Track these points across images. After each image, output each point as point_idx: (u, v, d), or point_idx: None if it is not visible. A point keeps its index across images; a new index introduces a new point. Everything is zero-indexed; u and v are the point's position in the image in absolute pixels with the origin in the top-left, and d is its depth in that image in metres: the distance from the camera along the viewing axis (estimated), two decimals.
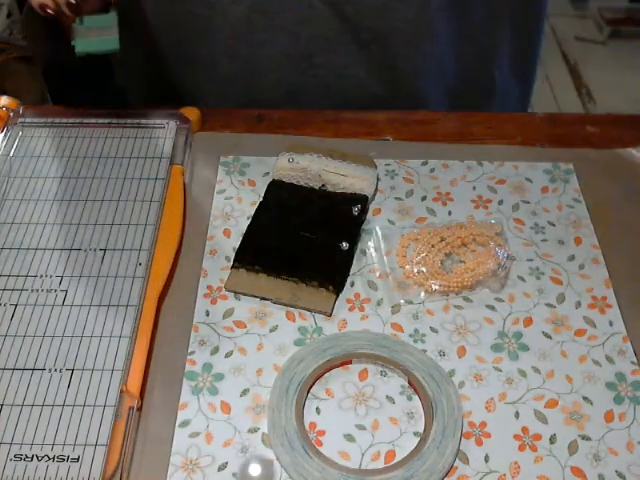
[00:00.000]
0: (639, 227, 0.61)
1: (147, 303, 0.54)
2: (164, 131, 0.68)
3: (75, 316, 0.54)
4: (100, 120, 0.69)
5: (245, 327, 0.53)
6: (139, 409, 0.49)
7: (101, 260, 0.57)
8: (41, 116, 0.69)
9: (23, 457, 0.46)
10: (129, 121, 0.69)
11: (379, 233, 0.59)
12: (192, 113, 0.69)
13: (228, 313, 0.54)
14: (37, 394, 0.49)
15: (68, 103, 0.74)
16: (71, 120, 0.69)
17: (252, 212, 0.61)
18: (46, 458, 0.46)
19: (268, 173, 0.65)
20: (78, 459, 0.46)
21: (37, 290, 0.55)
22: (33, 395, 0.49)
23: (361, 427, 0.48)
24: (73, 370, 0.51)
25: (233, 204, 0.62)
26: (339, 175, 0.63)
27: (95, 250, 0.58)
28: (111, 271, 0.57)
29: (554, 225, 0.60)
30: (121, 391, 0.49)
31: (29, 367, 0.51)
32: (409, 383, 0.50)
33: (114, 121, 0.69)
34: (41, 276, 0.56)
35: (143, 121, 0.69)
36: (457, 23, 0.73)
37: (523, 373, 0.51)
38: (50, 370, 0.51)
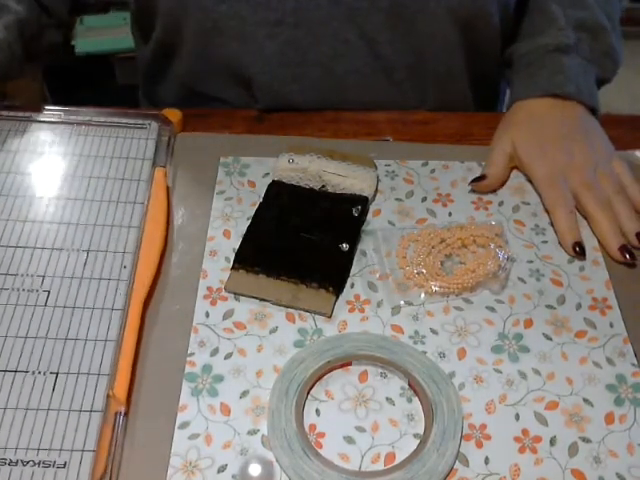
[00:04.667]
0: None
1: (132, 307, 0.53)
2: (146, 132, 0.67)
3: (59, 318, 0.53)
4: (80, 117, 0.68)
5: (245, 328, 0.53)
6: (126, 414, 0.48)
7: (84, 261, 0.56)
8: (19, 111, 0.68)
9: (7, 462, 0.45)
10: (110, 120, 0.68)
11: (379, 234, 0.59)
12: (174, 115, 0.68)
13: (228, 314, 0.54)
14: (20, 396, 0.48)
15: (68, 103, 0.73)
16: (52, 117, 0.68)
17: (252, 213, 0.60)
18: (32, 463, 0.45)
19: (268, 174, 0.64)
20: (65, 465, 0.45)
21: (18, 289, 0.54)
22: (16, 398, 0.48)
23: (361, 429, 0.48)
24: (58, 373, 0.50)
25: (233, 205, 0.62)
26: (339, 176, 0.63)
27: (79, 251, 0.57)
28: (95, 273, 0.56)
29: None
30: (107, 396, 0.48)
31: (11, 369, 0.50)
32: (409, 385, 0.50)
33: (95, 119, 0.68)
34: (22, 275, 0.55)
35: (124, 120, 0.68)
36: (474, 62, 0.75)
37: (523, 375, 0.51)
38: (34, 373, 0.49)
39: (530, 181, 0.64)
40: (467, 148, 0.68)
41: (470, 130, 0.70)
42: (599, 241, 0.59)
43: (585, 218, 0.61)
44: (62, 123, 0.68)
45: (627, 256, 0.57)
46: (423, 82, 0.74)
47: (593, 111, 0.67)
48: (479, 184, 0.62)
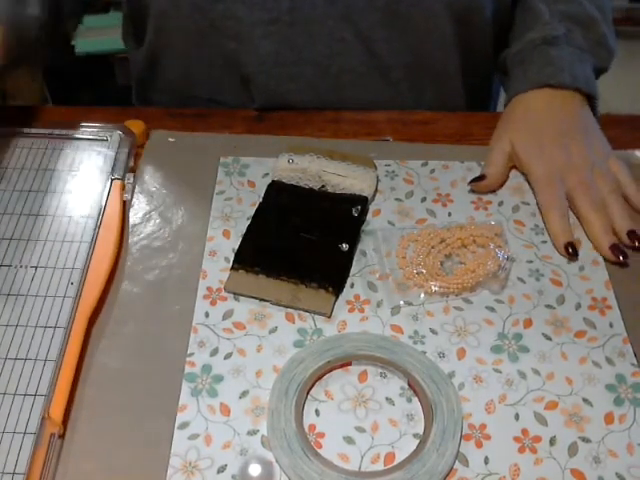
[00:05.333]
0: None
1: (76, 325, 0.52)
2: (106, 144, 0.66)
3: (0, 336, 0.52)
4: (41, 131, 0.67)
5: (244, 328, 0.53)
6: (61, 436, 0.47)
7: (32, 278, 0.55)
8: None
9: None
10: (70, 133, 0.67)
11: (379, 234, 0.59)
12: (136, 126, 0.67)
13: (227, 314, 0.54)
14: None
15: (68, 103, 0.73)
16: (11, 129, 0.67)
17: (252, 213, 0.60)
18: None
19: (268, 174, 0.64)
20: None
21: None
22: None
23: (360, 429, 0.48)
24: None
25: (233, 205, 0.62)
26: (339, 176, 0.63)
27: (26, 267, 0.56)
28: (41, 290, 0.55)
29: None
30: (43, 418, 0.47)
31: None
32: (409, 385, 0.50)
33: (55, 132, 0.66)
34: None
35: (85, 133, 0.67)
36: (469, 60, 0.75)
37: (523, 375, 0.51)
38: None
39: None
40: (467, 148, 0.68)
41: (470, 130, 0.70)
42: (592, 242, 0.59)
43: (578, 219, 0.61)
44: (22, 136, 0.67)
45: (620, 256, 0.57)
46: (419, 81, 0.74)
47: (591, 99, 0.66)
48: (478, 184, 0.62)
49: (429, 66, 0.73)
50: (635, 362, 0.52)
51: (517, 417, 0.49)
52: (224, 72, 0.74)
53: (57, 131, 0.67)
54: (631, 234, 0.58)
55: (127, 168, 0.64)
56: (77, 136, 0.67)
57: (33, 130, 0.67)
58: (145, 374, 0.51)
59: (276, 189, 0.62)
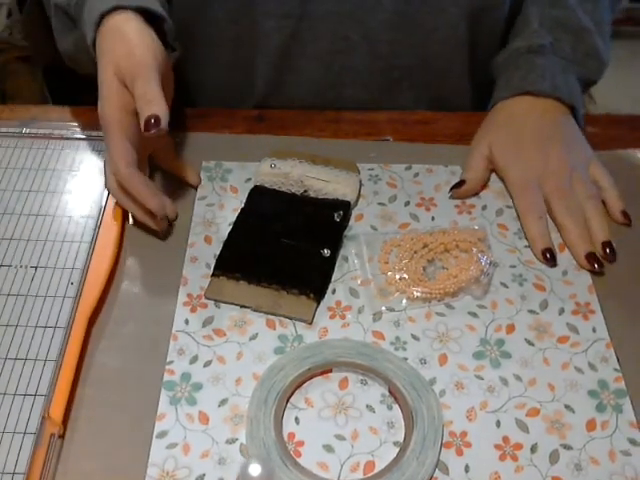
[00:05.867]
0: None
1: (76, 325, 0.52)
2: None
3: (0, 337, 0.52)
4: (41, 131, 0.67)
5: (225, 335, 0.53)
6: (61, 436, 0.47)
7: (31, 278, 0.56)
8: None
9: None
10: (70, 133, 0.67)
11: (362, 239, 0.59)
12: None
13: (208, 321, 0.54)
14: None
15: (68, 103, 0.73)
16: (11, 130, 0.67)
17: (234, 219, 0.60)
18: None
19: (250, 179, 0.64)
20: None
21: None
22: None
23: (340, 437, 0.48)
24: None
25: (215, 210, 0.61)
26: (321, 181, 0.62)
27: (26, 267, 0.56)
28: (41, 290, 0.55)
29: None
30: (43, 418, 0.47)
31: None
32: (389, 392, 0.50)
33: (55, 132, 0.67)
34: None
35: (85, 133, 0.67)
36: (476, 60, 0.75)
37: (505, 381, 0.50)
38: None
39: None
40: (467, 148, 0.67)
41: (470, 130, 0.69)
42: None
43: (555, 225, 0.60)
44: (22, 136, 0.67)
45: (595, 265, 0.56)
46: (420, 81, 0.74)
47: (573, 110, 0.66)
48: (459, 190, 0.62)
49: (432, 67, 0.73)
50: (618, 367, 0.51)
51: (498, 424, 0.48)
52: (229, 55, 0.73)
53: (57, 131, 0.67)
54: (605, 245, 0.58)
55: None
56: (77, 136, 0.67)
57: (33, 130, 0.67)
58: (144, 374, 0.51)
59: (258, 194, 0.61)
